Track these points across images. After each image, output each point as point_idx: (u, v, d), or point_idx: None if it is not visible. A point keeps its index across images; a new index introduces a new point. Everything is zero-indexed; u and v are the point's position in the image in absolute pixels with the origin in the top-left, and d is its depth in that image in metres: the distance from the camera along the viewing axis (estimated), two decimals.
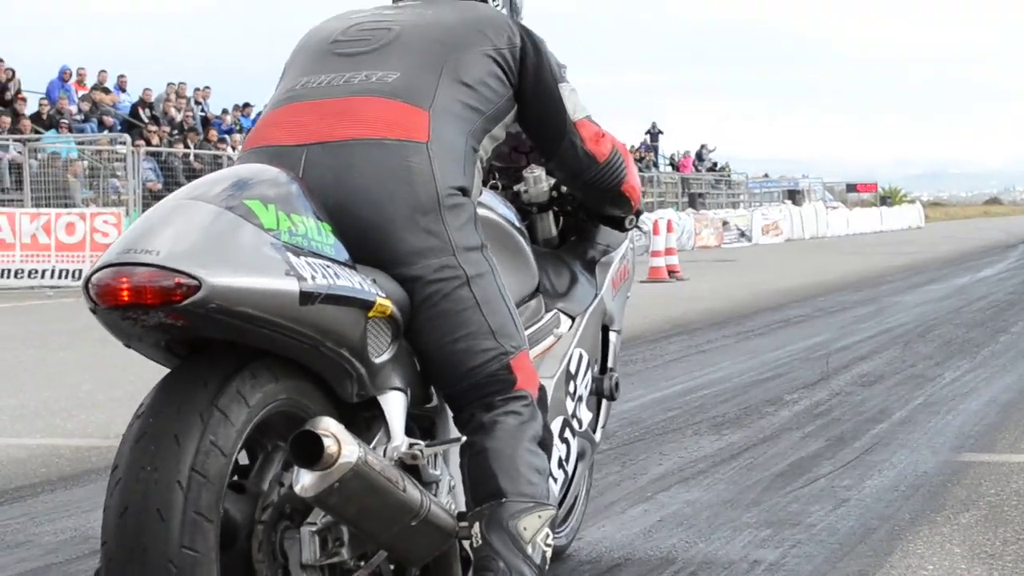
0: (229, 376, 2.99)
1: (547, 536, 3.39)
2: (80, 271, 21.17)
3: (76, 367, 11.32)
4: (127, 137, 24.96)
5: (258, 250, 2.98)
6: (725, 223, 42.47)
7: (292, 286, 2.98)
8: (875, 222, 59.23)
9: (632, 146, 47.29)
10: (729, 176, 54.55)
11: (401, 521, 3.19)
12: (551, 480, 3.75)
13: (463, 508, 3.49)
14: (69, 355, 12.28)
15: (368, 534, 3.21)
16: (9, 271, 21.07)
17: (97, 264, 2.92)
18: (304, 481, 2.97)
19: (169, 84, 30.90)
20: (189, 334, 3.01)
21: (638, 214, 4.36)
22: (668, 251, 24.62)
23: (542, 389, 3.68)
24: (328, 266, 3.13)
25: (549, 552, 3.45)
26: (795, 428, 7.46)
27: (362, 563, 3.32)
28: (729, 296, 18.67)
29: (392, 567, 3.49)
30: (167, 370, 3.10)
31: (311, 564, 3.14)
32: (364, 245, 3.33)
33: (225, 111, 32.64)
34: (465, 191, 3.47)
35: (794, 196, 55.93)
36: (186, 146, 28.38)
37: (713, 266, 28.63)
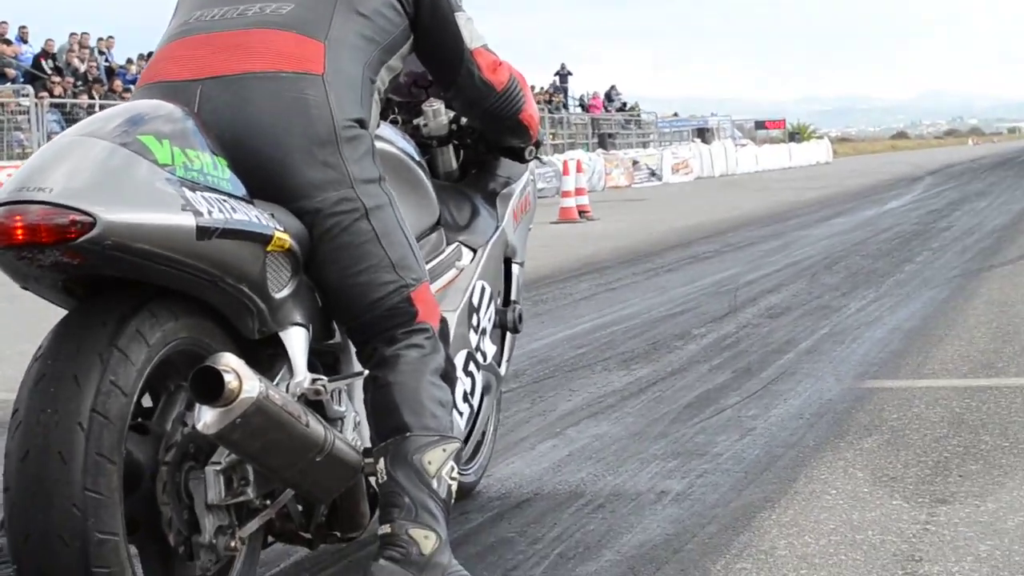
0: (127, 316, 2.98)
1: (452, 469, 3.40)
2: None
3: None
4: (30, 89, 24.75)
5: (153, 185, 2.95)
6: (635, 163, 42.55)
7: (188, 221, 2.96)
8: (784, 159, 59.53)
9: (542, 87, 47.29)
10: (638, 116, 54.59)
11: (305, 457, 3.20)
12: (456, 414, 3.79)
13: (369, 444, 3.48)
14: None
15: (273, 471, 3.22)
16: None
17: None
18: (206, 418, 2.98)
19: (72, 34, 30.51)
20: (86, 273, 2.98)
21: (537, 144, 4.40)
22: (578, 191, 24.62)
23: (443, 322, 3.68)
24: (225, 200, 3.12)
25: (455, 486, 3.46)
26: (703, 361, 7.51)
27: (268, 502, 3.34)
28: (639, 235, 18.74)
29: (300, 507, 3.52)
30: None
31: (216, 504, 3.16)
32: (262, 179, 3.31)
33: (130, 60, 32.17)
34: (362, 123, 3.47)
35: (703, 135, 56.19)
36: (91, 97, 28.07)
37: (623, 205, 28.71)
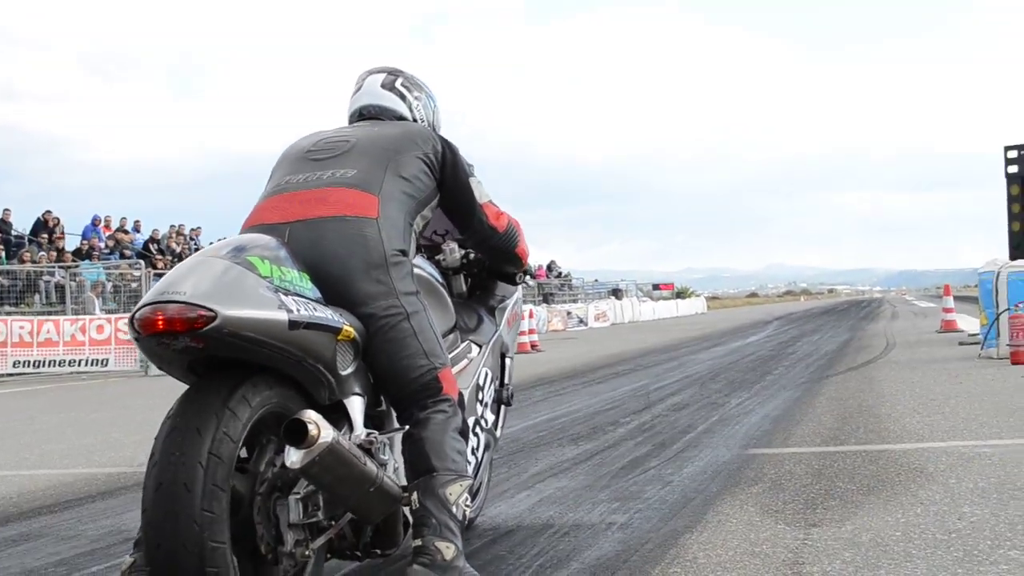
0: (236, 385, 3.04)
1: (466, 499, 3.46)
2: (107, 360, 20.81)
3: (105, 423, 11.05)
4: (142, 263, 24.66)
5: (257, 291, 3.05)
6: (568, 313, 42.58)
7: (283, 316, 3.05)
8: (673, 310, 59.83)
9: None
10: (570, 281, 54.72)
11: (362, 488, 3.22)
12: (467, 462, 3.73)
13: (404, 483, 3.46)
14: (100, 416, 12.00)
15: (338, 498, 3.24)
16: (54, 361, 20.70)
17: (139, 305, 2.98)
18: (293, 457, 3.00)
19: (171, 226, 30.52)
20: (206, 355, 3.02)
21: (526, 272, 4.44)
22: (531, 331, 24.68)
23: (460, 395, 3.70)
24: (308, 303, 3.21)
25: (468, 511, 3.51)
26: (630, 439, 7.42)
27: (333, 522, 3.33)
28: (575, 360, 18.66)
29: (352, 530, 3.47)
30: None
31: (296, 523, 3.18)
32: (332, 292, 3.39)
33: (211, 243, 32.19)
34: (404, 252, 3.56)
35: (616, 293, 56.37)
36: None
37: (562, 342, 28.63)
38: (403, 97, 4.14)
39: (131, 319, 2.97)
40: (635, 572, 3.80)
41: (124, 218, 29.96)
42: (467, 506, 3.45)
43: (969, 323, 21.29)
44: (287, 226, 3.49)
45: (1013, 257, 14.90)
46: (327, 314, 3.24)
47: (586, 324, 43.02)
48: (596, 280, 64.06)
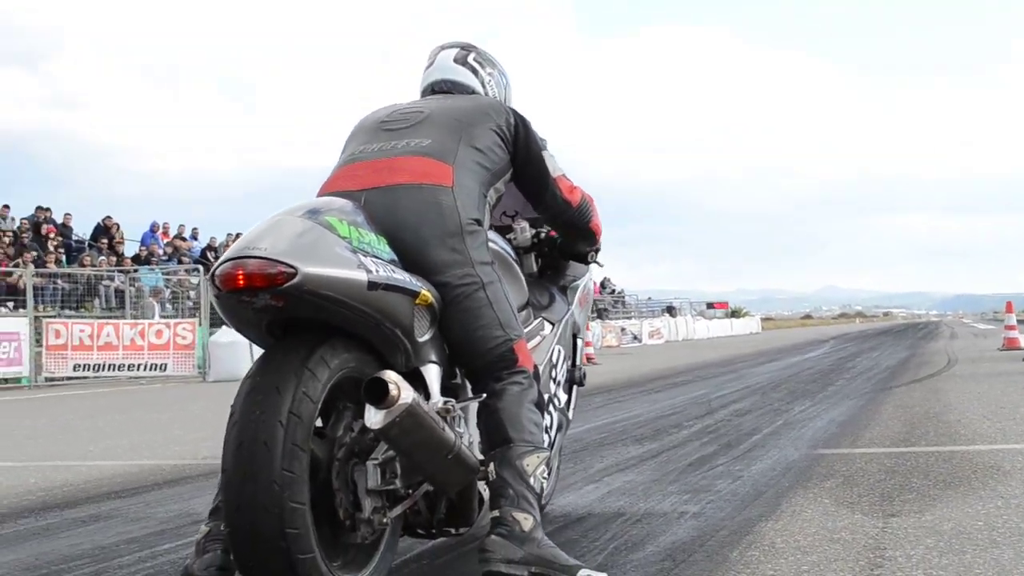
0: (315, 347, 2.99)
1: (544, 471, 3.37)
2: (166, 365, 21.00)
3: (166, 422, 11.13)
4: (200, 269, 24.87)
5: (336, 250, 3.01)
6: (623, 329, 42.50)
7: (362, 276, 3.01)
8: (727, 329, 59.47)
9: None
10: (624, 298, 54.61)
11: (440, 454, 3.16)
12: (544, 434, 3.69)
13: (480, 457, 3.40)
14: (161, 416, 12.09)
15: (416, 464, 3.17)
16: (113, 365, 20.89)
17: (219, 261, 2.95)
18: (373, 417, 2.94)
19: (228, 234, 30.72)
20: (286, 315, 2.99)
21: (597, 251, 4.34)
22: (586, 344, 24.56)
23: (536, 368, 3.64)
24: (386, 264, 3.18)
25: (545, 484, 3.43)
26: (695, 440, 7.35)
27: (410, 491, 3.29)
28: (632, 372, 18.60)
29: (427, 506, 3.44)
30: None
31: (374, 489, 3.13)
32: (407, 259, 3.34)
33: None
34: (479, 222, 3.51)
35: (671, 311, 56.17)
36: None
37: (616, 357, 28.53)
38: (475, 72, 4.09)
39: (212, 275, 2.95)
40: (713, 555, 3.74)
41: (182, 225, 30.25)
42: (544, 477, 3.37)
43: None
44: (362, 193, 3.44)
45: None
46: (405, 277, 3.20)
47: (640, 341, 42.87)
48: (649, 298, 63.83)
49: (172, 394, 16.85)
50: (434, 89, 4.05)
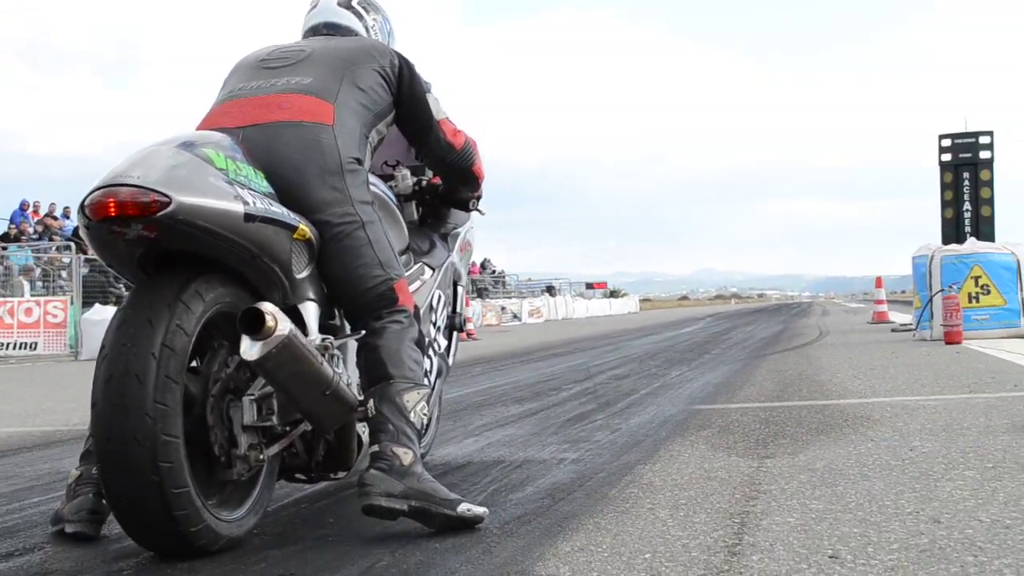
0: (190, 279, 2.95)
1: (424, 408, 3.36)
2: (36, 344, 20.45)
3: (37, 396, 10.84)
4: (72, 246, 24.24)
5: (212, 181, 2.96)
6: (503, 308, 42.55)
7: (239, 207, 2.97)
8: (606, 308, 60.08)
9: None
10: (504, 279, 54.71)
11: (317, 390, 3.14)
12: (425, 372, 3.67)
13: (360, 398, 3.37)
14: (30, 390, 11.77)
15: (293, 399, 3.14)
16: None
17: (89, 190, 2.86)
18: (249, 348, 2.91)
19: None
20: (159, 247, 2.92)
21: (479, 198, 4.32)
22: (467, 319, 24.56)
23: (416, 308, 3.64)
24: (264, 197, 3.13)
25: (426, 420, 3.42)
26: (573, 400, 7.39)
27: (287, 428, 3.24)
28: (512, 346, 18.67)
29: (304, 448, 3.40)
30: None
31: (250, 425, 3.10)
32: (287, 197, 3.30)
33: None
34: (360, 161, 3.49)
35: (550, 290, 56.46)
36: None
37: (497, 335, 28.59)
38: (360, 17, 4.05)
39: (81, 205, 2.85)
40: (592, 493, 3.74)
41: (53, 204, 29.30)
42: (424, 413, 3.35)
43: (900, 318, 21.57)
44: (240, 130, 3.37)
45: (946, 241, 15.11)
46: (283, 210, 3.16)
47: (520, 320, 43.01)
48: (529, 279, 64.07)
49: (43, 371, 16.40)
50: (316, 32, 3.99)
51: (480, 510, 3.22)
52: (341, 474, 3.56)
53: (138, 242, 2.87)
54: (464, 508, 3.17)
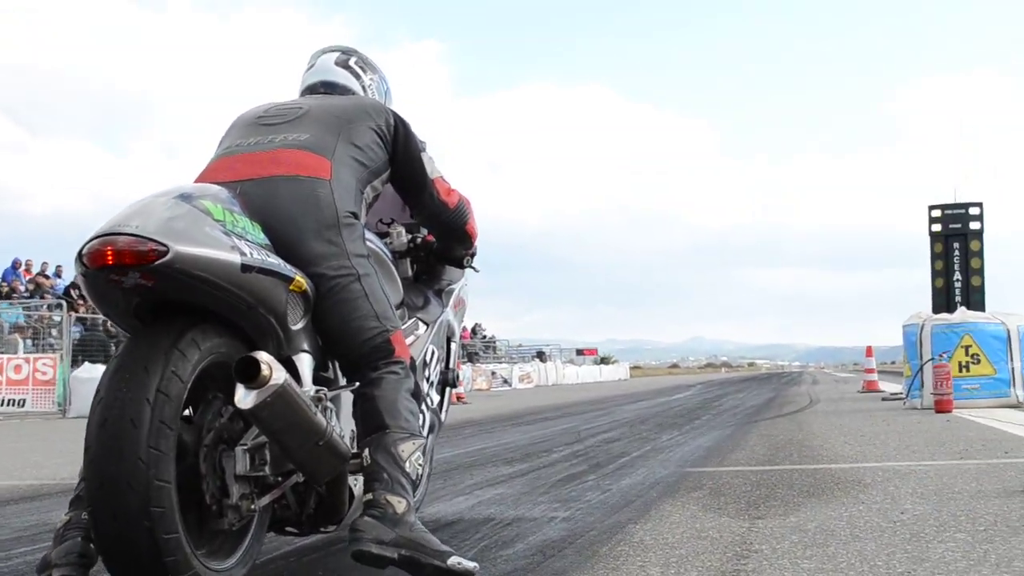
0: (186, 329, 2.91)
1: (419, 458, 3.32)
2: (24, 400, 20.36)
3: (25, 450, 10.78)
4: (64, 304, 24.20)
5: (209, 231, 2.94)
6: (493, 373, 42.49)
7: (236, 258, 2.95)
8: (596, 375, 60.02)
9: None
10: (495, 344, 54.65)
11: (311, 440, 3.08)
12: (420, 423, 3.65)
13: (354, 450, 3.33)
14: (20, 445, 11.70)
15: (286, 449, 3.09)
16: None
17: (87, 238, 2.84)
18: (243, 397, 2.88)
19: None
20: (156, 297, 2.90)
21: (473, 255, 4.34)
22: (459, 383, 24.47)
23: (412, 359, 3.62)
24: (260, 249, 3.11)
25: (420, 470, 3.38)
26: (565, 461, 7.37)
27: (280, 479, 3.21)
28: (502, 409, 18.62)
29: (295, 500, 3.37)
30: None
31: (242, 475, 3.06)
32: (284, 251, 3.28)
33: None
34: (356, 215, 3.48)
35: (541, 356, 56.37)
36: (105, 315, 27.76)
37: (487, 399, 28.52)
38: (358, 76, 4.09)
39: (79, 254, 2.83)
40: (582, 551, 3.73)
41: (45, 263, 29.27)
42: (420, 464, 3.32)
43: (891, 387, 21.56)
44: (238, 184, 3.37)
45: (936, 311, 15.16)
46: (279, 262, 3.14)
47: (511, 385, 42.91)
48: (520, 344, 63.99)
49: (31, 428, 16.31)
50: (313, 91, 4.02)
51: (471, 564, 3.10)
52: (331, 528, 3.52)
53: (135, 291, 2.86)
54: (455, 561, 3.07)
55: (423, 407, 4.04)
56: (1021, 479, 5.30)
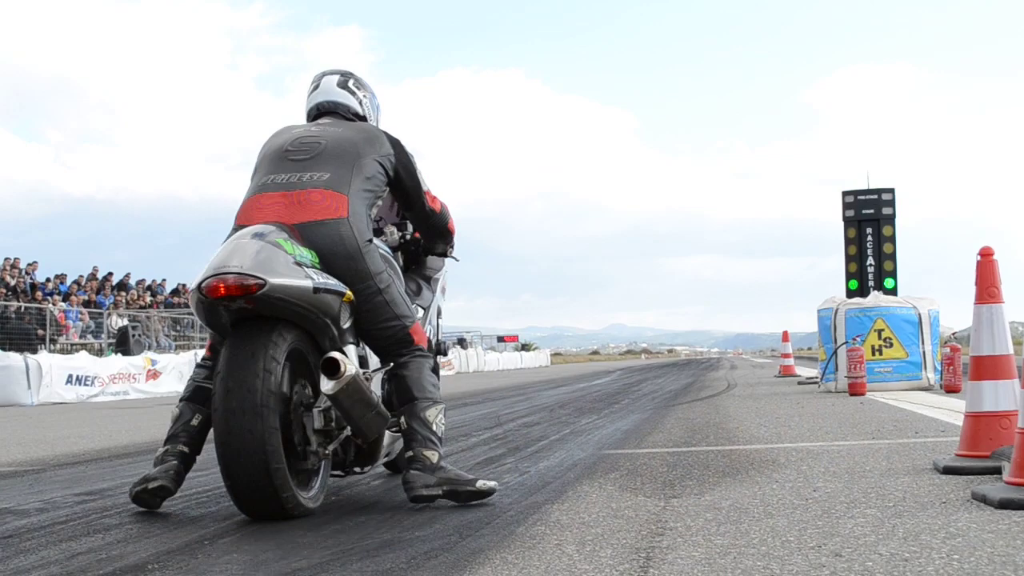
0: (272, 329, 4.10)
1: (442, 419, 4.50)
2: None
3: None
4: None
5: (288, 264, 4.12)
6: None
7: (308, 283, 4.14)
8: (517, 361, 60.17)
9: None
10: None
11: (369, 411, 4.28)
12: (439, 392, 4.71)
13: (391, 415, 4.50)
14: None
15: (350, 418, 4.24)
16: None
17: (202, 276, 4.04)
18: (326, 385, 4.10)
19: (6, 259, 29.42)
20: (251, 314, 4.08)
21: (452, 247, 5.42)
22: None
23: (429, 341, 4.91)
24: (320, 272, 4.27)
25: (443, 428, 4.53)
26: (484, 445, 7.40)
27: (338, 432, 4.35)
28: None
29: (342, 448, 4.54)
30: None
31: (318, 429, 4.27)
32: (327, 272, 4.34)
33: (48, 279, 30.97)
34: (371, 240, 4.53)
35: (461, 343, 56.37)
36: (18, 302, 27.20)
37: None
38: (354, 94, 5.06)
39: (197, 287, 4.02)
40: (499, 531, 3.75)
41: None
42: (442, 424, 4.47)
43: (807, 372, 21.90)
44: (287, 226, 4.34)
45: (850, 295, 15.41)
46: (335, 281, 4.29)
47: None
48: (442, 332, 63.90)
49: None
50: (319, 110, 5.01)
51: (492, 483, 4.46)
52: (367, 468, 4.76)
53: (238, 311, 4.05)
54: (481, 483, 4.40)
55: None
56: (929, 458, 5.41)
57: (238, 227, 4.41)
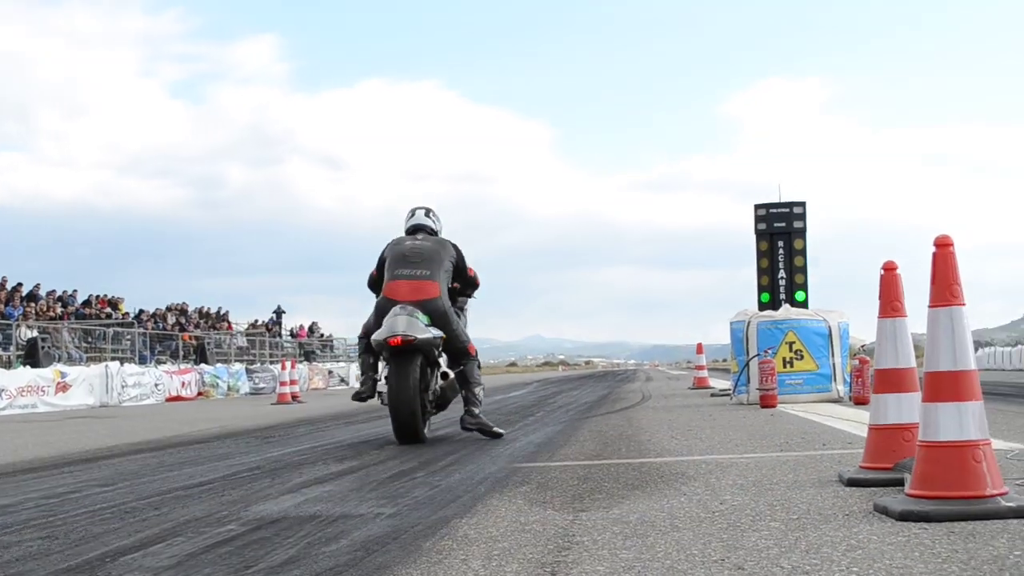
0: (413, 355, 8.31)
1: (481, 391, 8.95)
2: None
3: None
4: None
5: (423, 326, 8.34)
6: (330, 372, 42.16)
7: (430, 335, 8.34)
8: None
9: (263, 321, 46.77)
10: (332, 342, 54.19)
11: (455, 391, 8.95)
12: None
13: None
14: None
15: (444, 394, 8.94)
16: None
17: (384, 336, 8.26)
18: (442, 381, 8.86)
19: None
20: (405, 349, 8.24)
21: (476, 290, 9.60)
22: (293, 382, 24.27)
23: (476, 352, 8.97)
24: (432, 328, 8.43)
25: (482, 397, 9.03)
26: (395, 459, 7.33)
27: (438, 404, 9.13)
28: (336, 408, 18.47)
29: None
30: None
31: (431, 400, 8.82)
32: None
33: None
34: (451, 305, 8.71)
35: None
36: None
37: (323, 397, 28.23)
38: (434, 221, 9.43)
39: (385, 341, 8.19)
40: (406, 546, 3.73)
41: None
42: (481, 395, 8.91)
43: (721, 384, 22.10)
44: (415, 303, 8.58)
45: (762, 307, 15.60)
46: (438, 331, 8.47)
47: (348, 383, 42.59)
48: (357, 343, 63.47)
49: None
50: (416, 228, 9.29)
51: (502, 431, 9.03)
52: (439, 412, 9.35)
53: (398, 352, 8.25)
54: (496, 429, 8.91)
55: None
56: (835, 470, 5.49)
57: (387, 299, 8.62)
